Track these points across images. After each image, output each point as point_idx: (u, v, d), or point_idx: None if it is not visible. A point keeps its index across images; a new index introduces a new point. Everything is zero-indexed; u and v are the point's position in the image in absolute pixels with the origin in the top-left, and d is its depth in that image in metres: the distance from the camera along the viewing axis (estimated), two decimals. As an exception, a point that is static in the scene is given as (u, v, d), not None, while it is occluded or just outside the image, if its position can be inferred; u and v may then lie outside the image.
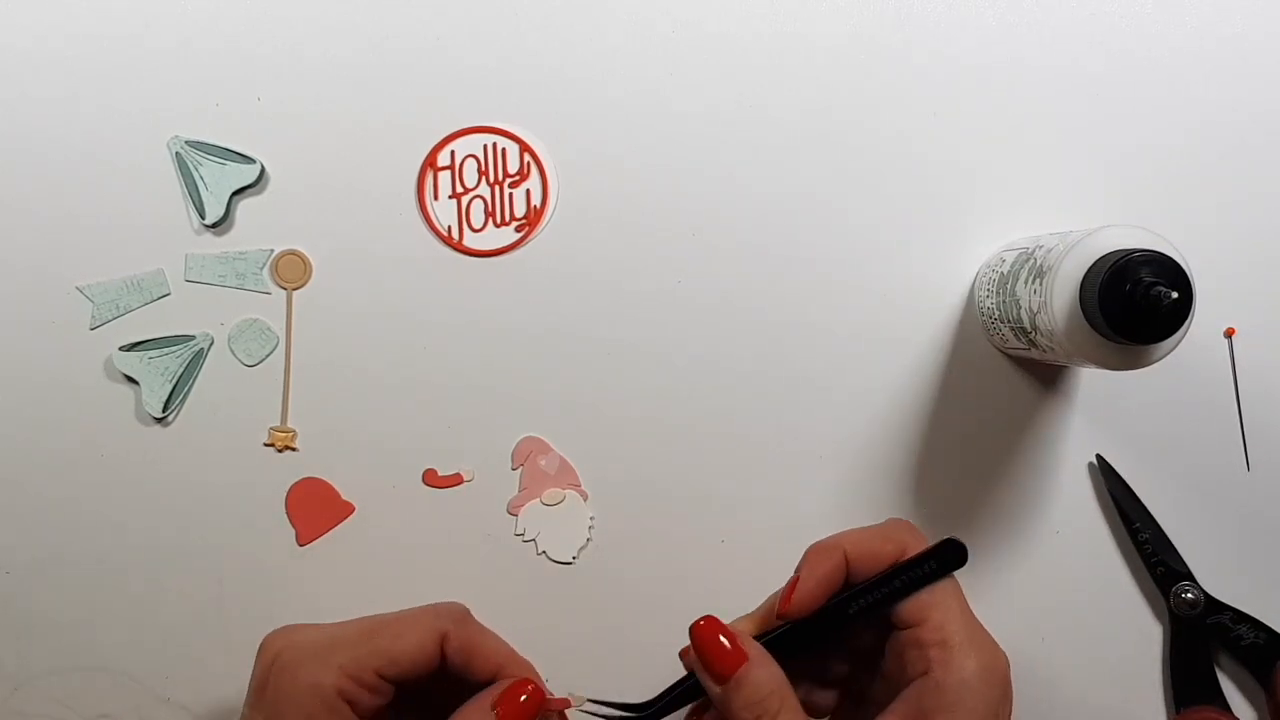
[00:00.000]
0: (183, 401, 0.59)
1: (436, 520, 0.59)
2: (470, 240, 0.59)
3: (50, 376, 0.59)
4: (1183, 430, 0.59)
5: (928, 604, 0.46)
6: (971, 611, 0.47)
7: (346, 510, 0.59)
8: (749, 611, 0.49)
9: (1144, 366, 0.48)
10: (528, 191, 0.59)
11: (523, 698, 0.46)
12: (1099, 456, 0.59)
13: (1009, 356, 0.59)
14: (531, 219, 0.59)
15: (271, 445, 0.59)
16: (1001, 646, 0.47)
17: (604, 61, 0.59)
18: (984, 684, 0.45)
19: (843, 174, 0.59)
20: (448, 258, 0.59)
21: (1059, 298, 0.48)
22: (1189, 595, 0.58)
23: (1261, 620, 0.58)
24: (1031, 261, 0.51)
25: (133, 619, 0.59)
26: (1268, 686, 0.58)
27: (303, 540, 0.59)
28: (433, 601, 0.49)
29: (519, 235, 0.59)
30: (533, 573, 0.59)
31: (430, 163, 0.59)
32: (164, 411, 0.59)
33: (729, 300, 0.59)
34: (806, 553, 0.48)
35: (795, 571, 0.47)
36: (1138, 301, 0.45)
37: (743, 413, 0.59)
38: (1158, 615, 0.59)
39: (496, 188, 0.59)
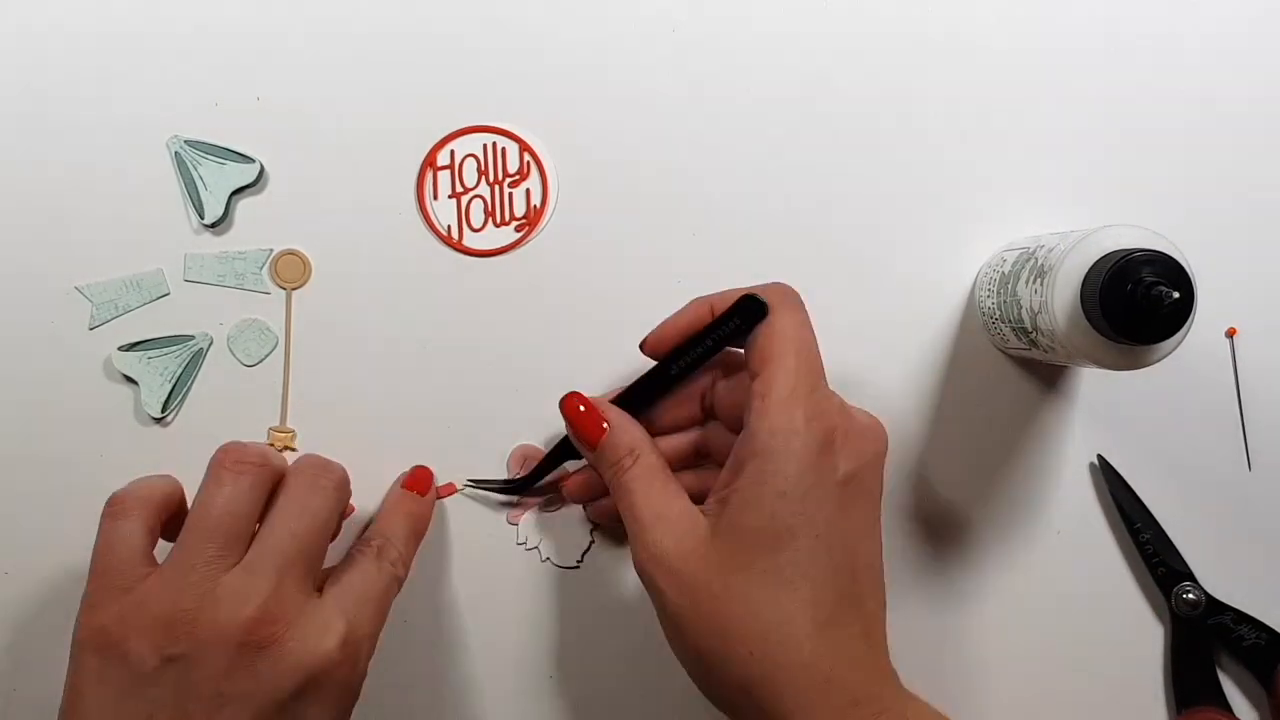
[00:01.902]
0: (182, 402, 0.59)
1: (436, 520, 0.59)
2: (470, 240, 0.59)
3: (49, 376, 0.59)
4: (1184, 430, 0.59)
5: (766, 357, 0.48)
6: (817, 370, 0.48)
7: (346, 510, 0.59)
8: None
9: (1145, 366, 0.48)
10: (527, 191, 0.59)
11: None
12: (1100, 457, 0.59)
13: (1010, 356, 0.59)
14: (531, 219, 0.59)
15: (271, 445, 0.59)
16: (877, 421, 0.49)
17: (604, 61, 0.59)
18: (800, 435, 0.46)
19: (843, 174, 0.59)
20: (447, 257, 0.59)
21: (1060, 298, 0.48)
22: (1190, 595, 0.58)
23: (1263, 621, 0.58)
24: (1032, 261, 0.51)
25: (132, 619, 0.59)
26: (1269, 687, 0.58)
27: (302, 540, 0.59)
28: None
29: (519, 235, 0.59)
30: (539, 579, 0.59)
31: (430, 162, 0.59)
32: (163, 412, 0.59)
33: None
34: (689, 302, 0.52)
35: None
36: (1139, 301, 0.45)
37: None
38: (1159, 615, 0.59)
39: (496, 187, 0.59)
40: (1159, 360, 0.48)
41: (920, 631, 0.59)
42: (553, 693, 0.59)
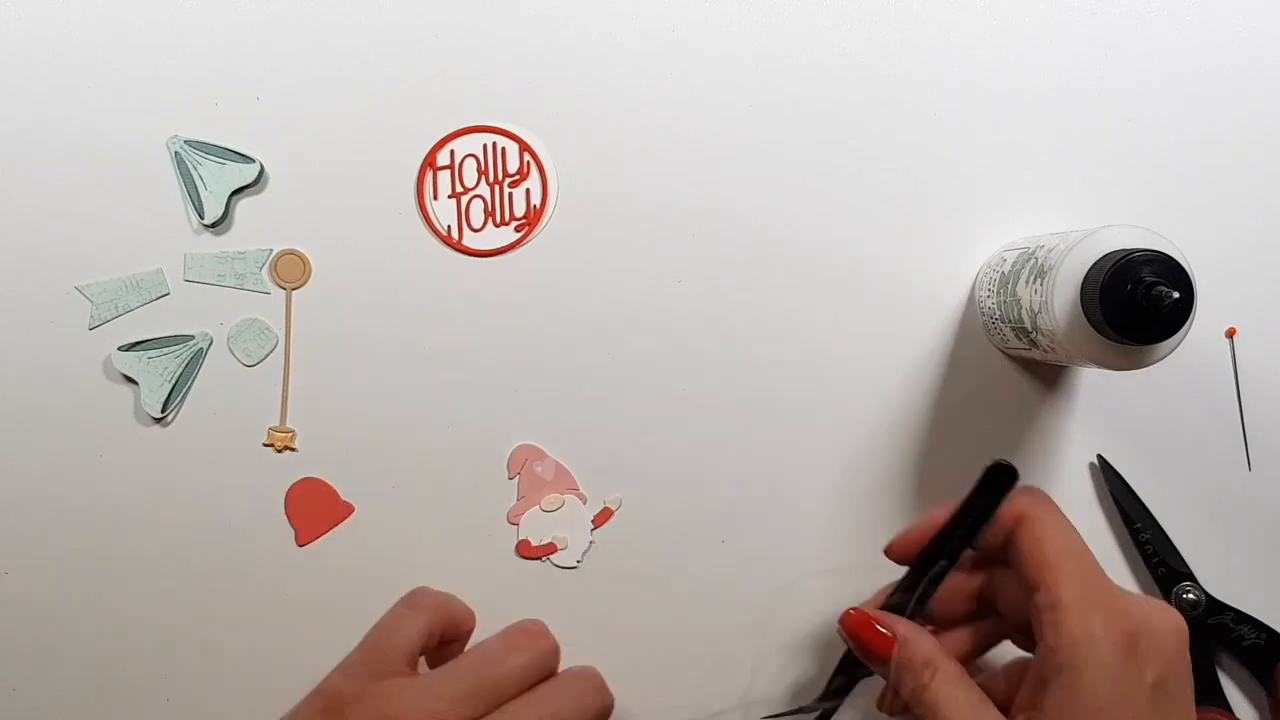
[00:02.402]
0: (182, 401, 0.59)
1: (437, 520, 0.59)
2: (470, 240, 0.59)
3: (49, 376, 0.59)
4: (1184, 430, 0.59)
5: (1041, 565, 0.46)
6: (1096, 571, 0.46)
7: (346, 510, 0.59)
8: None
9: (1146, 366, 0.48)
10: (527, 191, 0.59)
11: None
12: (1100, 456, 0.59)
13: (1009, 357, 0.59)
14: (531, 219, 0.59)
15: (271, 445, 0.59)
16: (1167, 607, 0.46)
17: (604, 61, 0.59)
18: (1102, 643, 0.44)
19: (842, 174, 0.59)
20: (447, 257, 0.59)
21: (1060, 297, 0.48)
22: (1190, 596, 0.58)
23: (1263, 621, 0.57)
24: (1032, 261, 0.51)
25: (132, 619, 0.59)
26: (1269, 687, 0.57)
27: (302, 540, 0.59)
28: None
29: (519, 235, 0.59)
30: (539, 579, 0.59)
31: (430, 162, 0.59)
32: (163, 411, 0.59)
33: (729, 301, 0.59)
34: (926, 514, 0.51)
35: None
36: (1139, 301, 0.45)
37: (742, 413, 0.59)
38: (1159, 616, 0.59)
39: (496, 187, 0.59)
40: (1159, 360, 0.48)
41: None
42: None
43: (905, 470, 0.59)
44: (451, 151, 0.59)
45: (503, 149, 0.59)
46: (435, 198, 0.59)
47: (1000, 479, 0.48)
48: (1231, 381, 0.59)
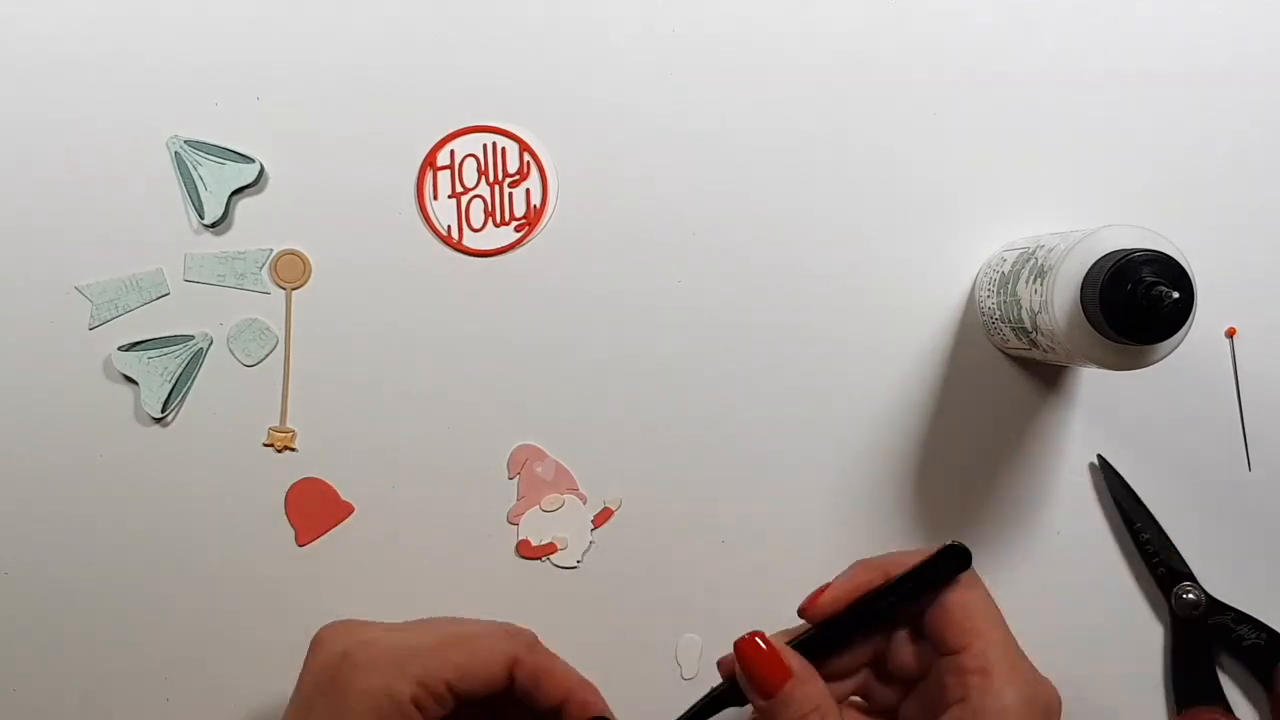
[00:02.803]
0: (182, 401, 0.59)
1: (437, 520, 0.59)
2: (470, 240, 0.59)
3: (49, 376, 0.59)
4: (1184, 430, 0.59)
5: (970, 630, 0.47)
6: (1016, 644, 0.47)
7: (346, 510, 0.59)
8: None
9: (1145, 366, 0.48)
10: (527, 191, 0.59)
11: None
12: (1100, 456, 0.59)
13: (1009, 357, 0.59)
14: (531, 219, 0.59)
15: (271, 445, 0.59)
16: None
17: (604, 61, 0.59)
18: (1023, 711, 0.45)
19: (843, 173, 0.59)
20: (447, 257, 0.59)
21: (1060, 297, 0.48)
22: (1190, 596, 0.58)
23: (1263, 621, 0.57)
24: (1033, 261, 0.51)
25: (132, 619, 0.59)
26: (1269, 687, 0.57)
27: (302, 540, 0.59)
28: (454, 609, 0.51)
29: (519, 235, 0.59)
30: (539, 579, 0.59)
31: (430, 162, 0.59)
32: (163, 411, 0.59)
33: (729, 301, 0.59)
34: (853, 565, 0.49)
35: (834, 579, 0.49)
36: (1139, 301, 0.45)
37: (742, 413, 0.59)
38: (1159, 616, 0.59)
39: (496, 187, 0.59)
40: (1159, 360, 0.48)
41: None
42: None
43: (907, 471, 0.59)
44: (451, 151, 0.59)
45: (503, 149, 0.59)
46: (435, 198, 0.59)
47: (953, 560, 0.48)
48: (1232, 381, 0.59)
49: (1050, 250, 0.50)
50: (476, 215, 0.59)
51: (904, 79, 0.59)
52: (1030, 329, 0.52)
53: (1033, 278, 0.50)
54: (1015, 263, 0.53)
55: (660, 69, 0.59)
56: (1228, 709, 0.57)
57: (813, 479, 0.59)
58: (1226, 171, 0.59)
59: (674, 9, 0.59)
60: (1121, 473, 0.58)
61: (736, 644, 0.47)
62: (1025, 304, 0.51)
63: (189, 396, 0.59)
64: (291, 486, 0.59)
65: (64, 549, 0.59)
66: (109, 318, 0.59)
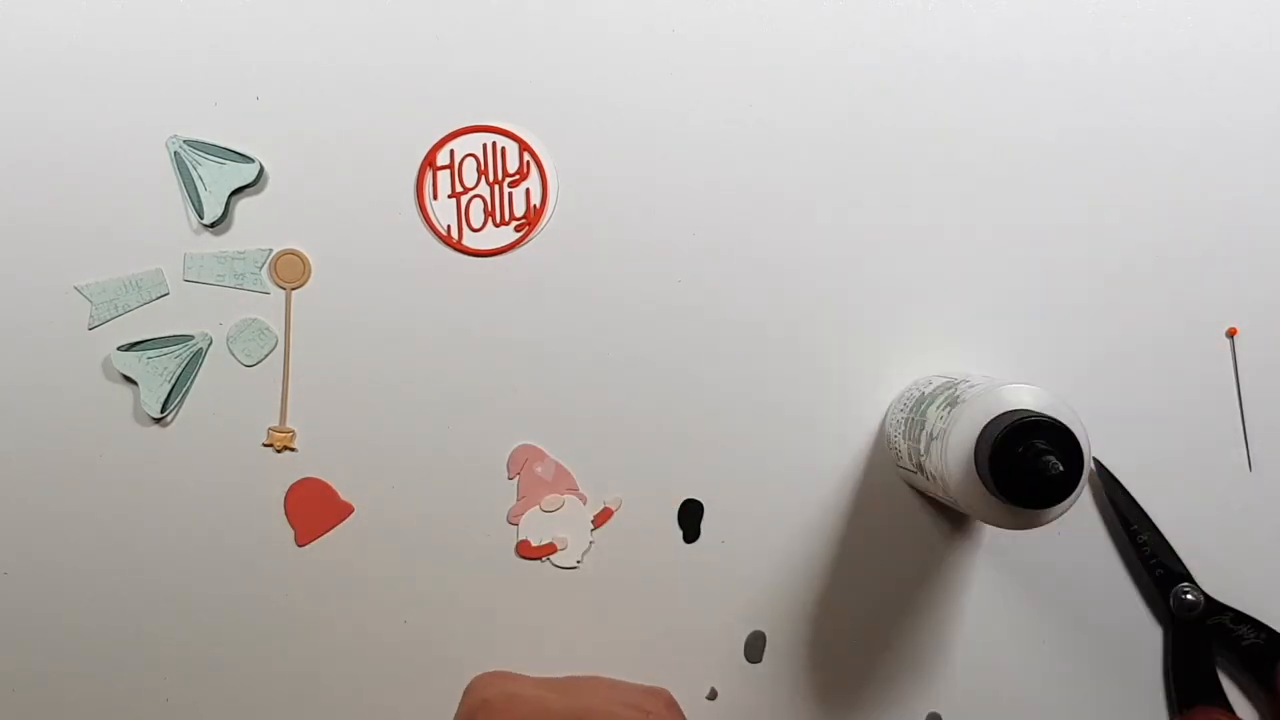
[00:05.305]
0: (181, 401, 0.59)
1: (437, 520, 0.59)
2: (469, 240, 0.59)
3: (48, 376, 0.59)
4: (1184, 430, 0.59)
5: None
6: None
7: (346, 510, 0.59)
8: None
9: (1028, 529, 0.48)
10: (527, 191, 0.59)
11: None
12: (1096, 460, 0.59)
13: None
14: (531, 218, 0.59)
15: (270, 445, 0.59)
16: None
17: (604, 61, 0.59)
18: None
19: (843, 173, 0.59)
20: (447, 257, 0.59)
21: (953, 455, 0.48)
22: (1189, 596, 0.58)
23: (1262, 620, 0.58)
24: (951, 390, 0.51)
25: (131, 619, 0.59)
26: (1269, 687, 0.58)
27: (302, 540, 0.59)
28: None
29: (518, 235, 0.59)
30: (539, 579, 0.59)
31: (430, 162, 0.59)
32: (162, 411, 0.59)
33: (728, 301, 0.59)
34: None
35: None
36: (1026, 467, 0.45)
37: (743, 413, 0.59)
38: (1158, 617, 0.59)
39: (496, 187, 0.59)
40: (1044, 524, 0.48)
41: (920, 632, 0.59)
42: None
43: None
44: (451, 151, 0.59)
45: (503, 149, 0.59)
46: (435, 197, 0.59)
47: None
48: (1232, 381, 0.59)
49: (972, 387, 0.50)
50: (476, 215, 0.59)
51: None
52: (923, 451, 0.51)
53: (946, 405, 0.50)
54: (939, 387, 0.53)
55: (660, 69, 0.59)
56: (1228, 709, 0.58)
57: (813, 477, 0.59)
58: (1228, 171, 0.59)
59: (674, 9, 0.59)
60: (1121, 473, 0.58)
61: None
62: (928, 426, 0.51)
63: (188, 396, 0.59)
64: (291, 486, 0.59)
65: (64, 549, 0.59)
66: (108, 318, 0.59)
